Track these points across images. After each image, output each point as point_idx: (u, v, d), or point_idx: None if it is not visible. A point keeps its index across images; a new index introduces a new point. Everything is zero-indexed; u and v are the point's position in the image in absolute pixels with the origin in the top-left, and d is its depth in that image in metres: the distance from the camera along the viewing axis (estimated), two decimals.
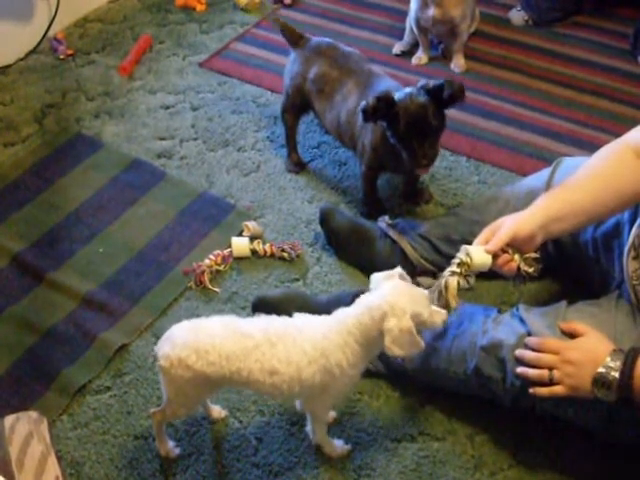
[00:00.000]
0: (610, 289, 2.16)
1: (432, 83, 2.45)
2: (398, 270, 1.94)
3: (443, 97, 2.43)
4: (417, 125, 2.45)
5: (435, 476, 2.12)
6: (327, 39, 2.95)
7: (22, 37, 3.74)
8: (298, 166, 3.10)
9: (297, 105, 2.99)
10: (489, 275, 2.49)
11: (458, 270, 1.94)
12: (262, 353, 1.88)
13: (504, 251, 1.96)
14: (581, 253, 2.31)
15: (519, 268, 2.00)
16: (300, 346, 1.89)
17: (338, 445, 2.16)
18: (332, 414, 2.23)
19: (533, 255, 2.01)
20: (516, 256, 1.98)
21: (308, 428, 2.15)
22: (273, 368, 1.88)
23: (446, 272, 1.96)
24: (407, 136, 2.47)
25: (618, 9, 4.01)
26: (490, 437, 2.20)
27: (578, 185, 2.00)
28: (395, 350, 1.80)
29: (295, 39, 2.96)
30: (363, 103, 2.47)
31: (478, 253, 1.94)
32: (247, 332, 1.91)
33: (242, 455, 2.19)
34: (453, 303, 1.94)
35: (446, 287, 1.94)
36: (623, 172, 1.97)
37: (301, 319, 1.98)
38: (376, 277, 1.94)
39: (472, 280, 2.51)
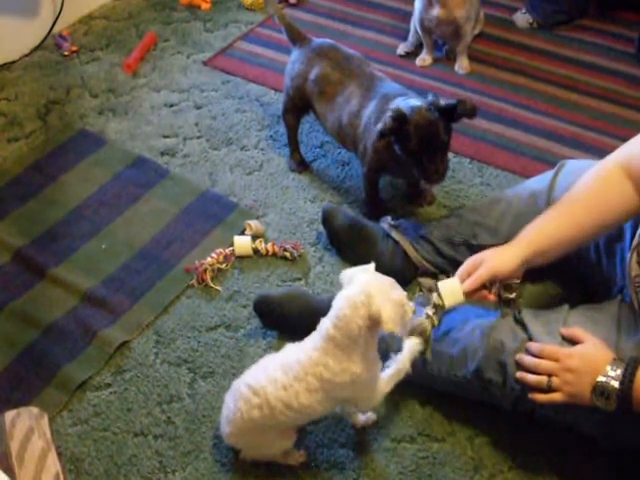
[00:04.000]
0: (612, 293, 2.16)
1: (444, 102, 2.44)
2: (372, 265, 1.93)
3: (454, 116, 2.44)
4: (428, 142, 2.44)
5: (434, 477, 2.12)
6: (329, 40, 2.93)
7: (27, 33, 3.74)
8: (301, 166, 3.09)
9: (298, 105, 2.98)
10: None
11: (432, 312, 2.00)
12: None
13: (483, 285, 2.01)
14: (583, 257, 2.31)
15: (500, 296, 2.03)
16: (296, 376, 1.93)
17: (367, 415, 2.22)
18: (372, 417, 2.24)
19: (514, 281, 2.03)
20: (494, 289, 2.03)
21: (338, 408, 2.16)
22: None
23: (423, 315, 2.01)
24: (418, 152, 2.46)
25: (623, 13, 4.00)
26: (490, 439, 2.20)
27: (563, 216, 2.00)
28: (390, 323, 1.79)
29: (298, 38, 2.95)
30: (380, 125, 2.45)
31: (449, 293, 2.00)
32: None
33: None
34: (429, 352, 2.03)
35: (423, 332, 2.00)
36: (612, 200, 1.97)
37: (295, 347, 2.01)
38: (348, 272, 1.94)
39: None
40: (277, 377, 1.93)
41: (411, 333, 1.99)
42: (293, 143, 3.10)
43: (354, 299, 1.81)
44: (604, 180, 1.99)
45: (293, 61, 2.95)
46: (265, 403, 1.93)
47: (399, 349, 2.02)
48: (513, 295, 2.04)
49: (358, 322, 1.81)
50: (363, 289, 1.82)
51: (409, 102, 2.48)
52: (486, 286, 2.00)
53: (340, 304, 1.85)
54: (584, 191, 2.01)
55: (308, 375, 1.90)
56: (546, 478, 2.11)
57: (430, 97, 2.48)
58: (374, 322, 1.80)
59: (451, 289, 1.99)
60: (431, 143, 2.44)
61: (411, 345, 2.00)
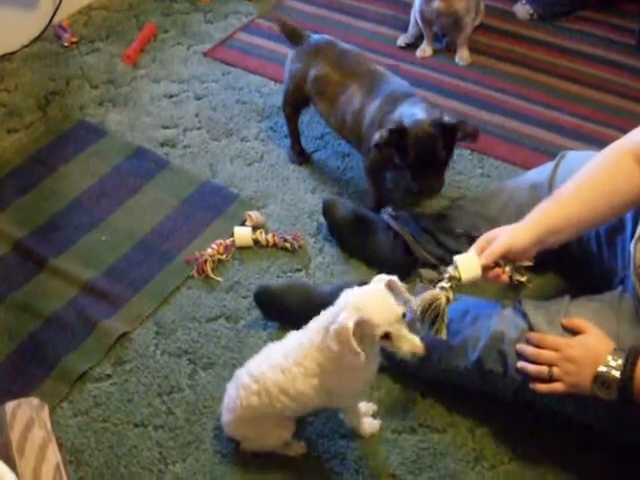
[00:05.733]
0: (613, 284, 2.15)
1: (446, 120, 2.41)
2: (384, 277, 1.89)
3: (454, 136, 2.43)
4: (426, 157, 2.43)
5: (435, 468, 2.13)
6: (326, 36, 2.90)
7: (27, 24, 3.73)
8: (301, 157, 3.09)
9: (297, 100, 2.97)
10: None
11: (448, 285, 1.94)
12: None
13: (496, 263, 1.97)
14: (584, 248, 2.31)
15: (511, 277, 2.00)
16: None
17: (369, 424, 2.18)
18: (373, 406, 2.24)
19: (526, 263, 2.01)
20: (507, 268, 1.98)
21: (342, 415, 2.16)
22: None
23: (437, 287, 1.95)
24: (414, 166, 2.47)
25: (624, 4, 3.99)
26: (491, 430, 2.20)
27: (574, 196, 1.98)
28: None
29: (295, 37, 2.92)
30: (376, 137, 2.43)
31: (467, 266, 1.94)
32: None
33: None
34: (444, 330, 1.96)
35: (437, 312, 1.93)
36: (619, 181, 1.96)
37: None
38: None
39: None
40: (277, 362, 1.95)
41: (424, 308, 1.93)
42: (293, 135, 3.09)
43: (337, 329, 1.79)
44: (614, 164, 1.98)
45: (292, 59, 2.92)
46: (263, 390, 1.94)
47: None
48: (524, 278, 2.02)
49: (352, 347, 1.78)
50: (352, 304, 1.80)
51: (414, 114, 2.44)
52: (499, 265, 1.98)
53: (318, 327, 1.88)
54: (594, 174, 2.00)
55: (307, 360, 1.91)
56: (547, 469, 2.11)
57: (437, 111, 2.45)
58: (365, 337, 1.79)
59: (469, 263, 1.95)
60: (428, 159, 2.43)
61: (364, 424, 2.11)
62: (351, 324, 1.75)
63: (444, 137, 2.41)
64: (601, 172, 1.99)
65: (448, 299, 1.93)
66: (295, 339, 1.98)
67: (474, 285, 1.98)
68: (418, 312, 1.93)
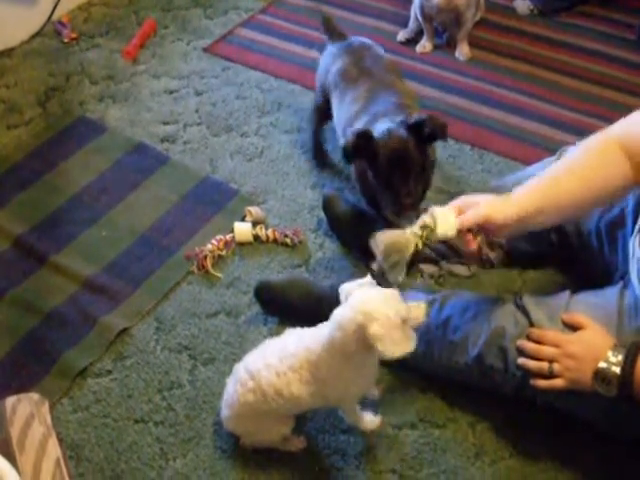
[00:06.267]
0: (613, 280, 2.15)
1: (413, 118, 2.31)
2: (368, 279, 1.89)
3: (424, 134, 2.30)
4: (398, 161, 2.30)
5: (436, 463, 2.12)
6: (366, 40, 2.85)
7: (27, 20, 3.73)
8: (321, 159, 3.06)
9: (322, 107, 2.90)
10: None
11: (420, 233, 1.87)
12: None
13: (469, 230, 1.90)
14: (584, 243, 2.31)
15: (480, 249, 1.95)
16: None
17: (370, 420, 2.16)
18: (375, 393, 2.24)
19: (498, 240, 1.97)
20: (479, 238, 1.92)
21: (341, 412, 2.15)
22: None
23: (408, 230, 1.89)
24: (388, 173, 2.33)
25: None
26: (491, 425, 2.20)
27: (561, 182, 1.94)
28: (390, 351, 1.75)
29: (333, 34, 2.89)
30: (342, 141, 2.38)
31: (444, 221, 1.84)
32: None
33: None
34: (402, 275, 1.89)
35: (402, 255, 1.87)
36: (607, 169, 1.92)
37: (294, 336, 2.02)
38: (346, 287, 1.89)
39: (473, 268, 2.51)
40: (272, 363, 1.95)
41: (388, 247, 1.87)
42: (314, 137, 3.05)
43: (345, 327, 1.80)
44: (601, 152, 1.95)
45: (323, 56, 2.90)
46: (258, 388, 1.95)
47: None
48: (493, 255, 1.97)
49: (351, 346, 1.80)
50: (355, 317, 1.78)
51: (380, 125, 2.37)
52: (471, 231, 1.91)
53: (335, 325, 1.83)
54: (582, 160, 1.97)
55: (303, 369, 1.91)
56: (547, 465, 2.11)
57: (399, 119, 2.36)
58: (369, 344, 1.77)
59: (446, 219, 1.85)
60: (401, 162, 2.31)
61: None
62: (395, 319, 1.76)
63: (414, 138, 2.31)
64: (590, 162, 1.96)
65: (417, 246, 1.87)
66: (292, 343, 1.97)
67: (442, 241, 1.91)
68: (382, 247, 1.88)
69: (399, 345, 1.78)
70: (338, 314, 1.84)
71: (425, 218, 1.87)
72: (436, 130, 2.29)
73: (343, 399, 2.03)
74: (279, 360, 1.94)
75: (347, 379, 1.92)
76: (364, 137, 2.31)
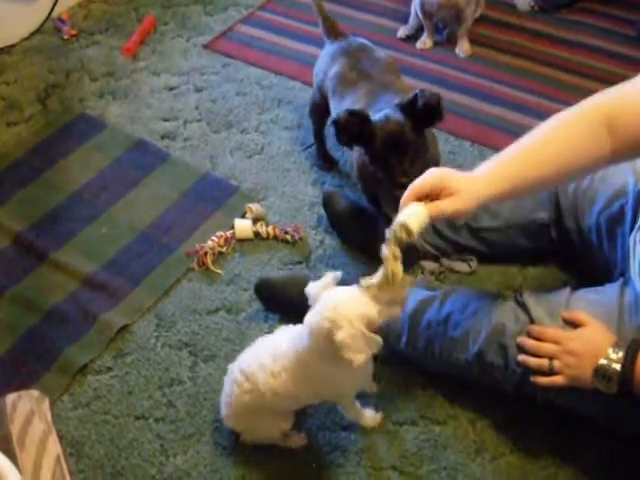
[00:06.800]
0: (613, 277, 2.15)
1: (406, 98, 2.29)
2: (330, 276, 1.88)
3: (418, 108, 2.25)
4: (394, 141, 2.27)
5: (436, 460, 2.12)
6: (364, 41, 2.82)
7: (26, 17, 3.73)
8: (327, 162, 3.04)
9: (319, 104, 2.86)
10: (491, 261, 2.50)
11: (397, 252, 1.81)
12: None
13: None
14: (585, 240, 2.30)
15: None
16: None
17: (370, 416, 2.17)
18: (373, 388, 2.24)
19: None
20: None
21: (341, 408, 2.15)
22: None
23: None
24: (384, 154, 2.30)
25: None
26: (492, 422, 2.20)
27: (540, 160, 1.85)
28: (356, 358, 1.73)
29: (332, 33, 2.86)
30: (333, 116, 2.35)
31: (414, 222, 1.73)
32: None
33: None
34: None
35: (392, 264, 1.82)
36: (588, 145, 1.84)
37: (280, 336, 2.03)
38: (311, 291, 1.88)
39: (474, 264, 2.51)
40: (267, 363, 1.94)
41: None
42: (317, 137, 3.03)
43: (315, 332, 1.79)
44: (586, 126, 1.87)
45: (322, 55, 2.86)
46: (255, 388, 1.95)
47: None
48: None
49: (327, 349, 1.78)
50: (322, 322, 1.76)
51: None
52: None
53: (306, 331, 1.83)
54: (557, 129, 1.92)
55: (295, 370, 1.91)
56: (548, 461, 2.11)
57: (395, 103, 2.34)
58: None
59: (418, 218, 1.74)
60: (397, 143, 2.28)
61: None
62: (359, 326, 1.73)
63: (410, 120, 2.27)
64: (572, 133, 1.88)
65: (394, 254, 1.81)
66: (284, 341, 1.96)
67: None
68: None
69: (363, 352, 1.76)
70: (307, 321, 1.84)
71: (395, 230, 1.77)
72: (428, 101, 2.24)
73: (339, 396, 2.04)
74: (273, 360, 1.94)
75: (338, 378, 1.92)
76: (358, 116, 2.28)
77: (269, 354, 1.96)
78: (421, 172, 2.06)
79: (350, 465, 2.12)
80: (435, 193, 1.77)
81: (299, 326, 1.92)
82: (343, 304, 1.77)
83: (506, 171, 1.82)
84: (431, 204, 1.75)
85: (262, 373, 1.94)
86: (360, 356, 1.74)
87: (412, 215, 1.74)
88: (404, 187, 2.02)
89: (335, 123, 2.31)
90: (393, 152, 2.29)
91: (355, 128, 2.29)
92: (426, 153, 2.38)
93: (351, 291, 1.81)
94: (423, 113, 2.26)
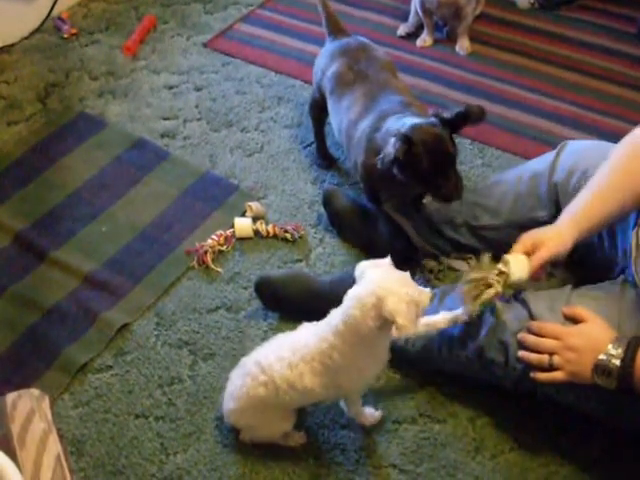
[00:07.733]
0: (613, 274, 2.15)
1: (450, 114, 2.23)
2: (387, 260, 1.90)
3: (461, 124, 2.24)
4: (440, 160, 2.21)
5: (436, 458, 2.13)
6: (363, 39, 2.80)
7: (26, 16, 3.72)
8: (326, 161, 3.03)
9: (318, 102, 2.85)
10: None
11: (498, 279, 1.92)
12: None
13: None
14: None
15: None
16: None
17: (370, 414, 2.17)
18: (377, 415, 2.23)
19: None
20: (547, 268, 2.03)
21: (342, 403, 2.16)
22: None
23: (489, 277, 1.93)
24: (431, 174, 2.23)
25: None
26: (491, 420, 2.20)
27: (609, 195, 1.99)
28: (406, 326, 1.75)
29: (334, 30, 2.85)
30: (390, 151, 2.20)
31: (517, 266, 1.92)
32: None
33: None
34: (473, 310, 1.96)
35: (479, 292, 1.94)
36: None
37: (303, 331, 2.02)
38: (361, 266, 1.91)
39: (473, 262, 2.52)
40: (285, 355, 1.95)
41: (473, 280, 1.96)
42: (317, 136, 3.02)
43: (364, 300, 1.80)
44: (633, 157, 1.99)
45: (321, 53, 2.85)
46: (271, 381, 1.95)
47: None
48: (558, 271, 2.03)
49: (368, 323, 1.80)
50: (374, 289, 1.79)
51: (405, 122, 2.27)
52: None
53: (351, 303, 1.83)
54: (621, 164, 2.00)
55: (315, 360, 1.91)
56: (547, 459, 2.11)
57: (431, 114, 2.30)
58: (386, 323, 1.79)
59: (520, 264, 1.92)
60: (443, 160, 2.22)
61: (456, 314, 2.03)
62: (412, 296, 1.78)
63: (448, 131, 2.23)
64: (631, 165, 1.98)
65: (497, 291, 1.92)
66: (305, 335, 1.98)
67: (518, 286, 1.99)
68: (468, 277, 1.98)
69: (413, 323, 1.79)
70: (355, 290, 1.85)
71: (500, 266, 1.93)
72: (478, 117, 2.25)
73: (354, 387, 2.03)
74: (292, 352, 1.95)
75: (360, 364, 1.93)
76: (407, 141, 2.17)
77: (288, 347, 1.97)
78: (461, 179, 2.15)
79: (350, 463, 2.12)
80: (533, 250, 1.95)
81: (324, 320, 1.93)
82: (392, 279, 1.82)
83: (588, 212, 1.99)
84: (532, 257, 1.93)
85: (279, 365, 1.95)
86: (411, 324, 1.77)
87: (518, 262, 1.93)
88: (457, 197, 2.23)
89: (396, 160, 2.20)
90: (440, 169, 2.24)
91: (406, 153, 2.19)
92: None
93: (397, 272, 1.86)
94: (462, 124, 2.26)
